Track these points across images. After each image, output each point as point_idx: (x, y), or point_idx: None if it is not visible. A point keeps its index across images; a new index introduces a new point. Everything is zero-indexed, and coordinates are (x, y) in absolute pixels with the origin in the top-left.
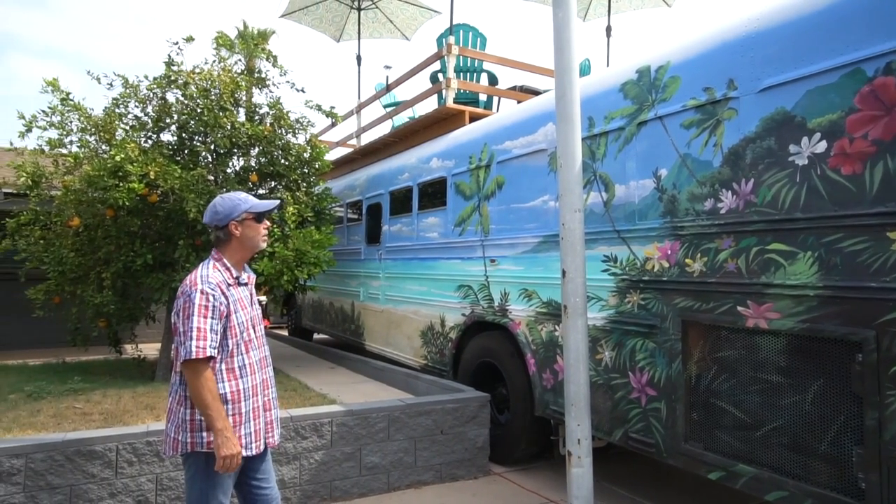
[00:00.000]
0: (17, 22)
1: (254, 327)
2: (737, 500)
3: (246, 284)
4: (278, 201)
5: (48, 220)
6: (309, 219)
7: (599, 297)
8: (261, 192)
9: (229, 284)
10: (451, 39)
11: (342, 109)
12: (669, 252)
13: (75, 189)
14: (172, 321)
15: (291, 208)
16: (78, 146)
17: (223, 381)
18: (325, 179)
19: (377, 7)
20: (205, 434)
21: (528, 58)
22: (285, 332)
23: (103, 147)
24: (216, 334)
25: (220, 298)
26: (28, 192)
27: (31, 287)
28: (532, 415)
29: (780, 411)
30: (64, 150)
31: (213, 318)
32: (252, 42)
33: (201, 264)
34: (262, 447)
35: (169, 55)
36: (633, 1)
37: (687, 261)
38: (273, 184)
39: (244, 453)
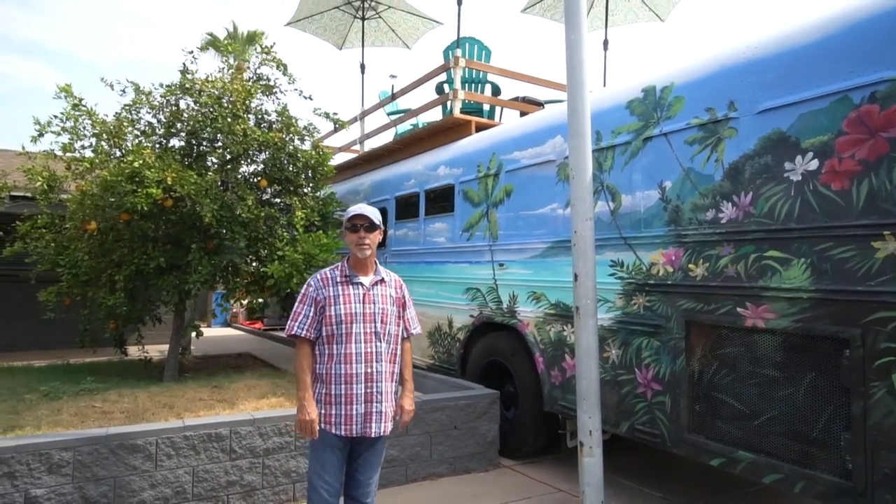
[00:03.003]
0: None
1: (363, 322)
2: (732, 487)
3: (361, 284)
4: (357, 210)
5: (60, 224)
6: (316, 223)
7: (607, 299)
8: (264, 196)
9: (337, 281)
10: (459, 52)
11: (342, 115)
12: (673, 258)
13: (92, 194)
14: None
15: (300, 213)
16: (91, 151)
17: (322, 363)
18: (328, 184)
19: (380, 17)
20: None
21: (527, 68)
22: (282, 333)
23: (116, 152)
24: (307, 318)
25: (318, 290)
26: (41, 196)
27: (40, 290)
28: (540, 410)
29: (776, 402)
30: (76, 155)
31: (306, 304)
32: (244, 44)
33: None
34: (354, 432)
35: (184, 64)
36: (628, 15)
37: (690, 266)
38: (279, 188)
39: (332, 430)
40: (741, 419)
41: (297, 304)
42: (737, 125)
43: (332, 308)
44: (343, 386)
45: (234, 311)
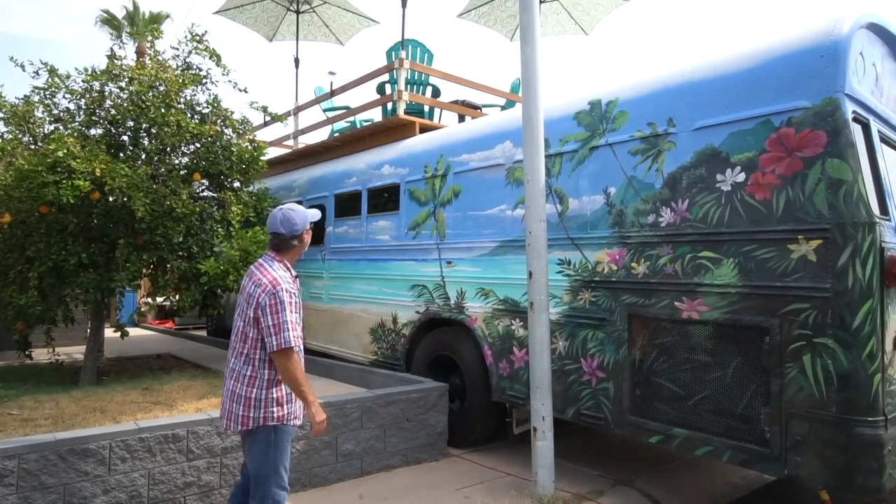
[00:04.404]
0: None
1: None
2: (659, 462)
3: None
4: (319, 213)
5: None
6: (251, 219)
7: (555, 295)
8: (195, 191)
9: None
10: (403, 54)
11: (271, 108)
12: (617, 257)
13: (6, 184)
14: (252, 315)
15: (235, 208)
16: (0, 137)
17: None
18: (260, 179)
19: (315, 11)
20: (275, 409)
21: (461, 70)
22: (200, 332)
23: (25, 138)
24: (300, 326)
25: (298, 297)
26: None
27: None
28: (488, 401)
29: (707, 384)
30: None
31: (296, 313)
32: (146, 25)
33: (266, 266)
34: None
35: (111, 49)
36: (555, 27)
37: (632, 264)
38: (206, 183)
39: (294, 423)
40: (677, 400)
41: (288, 313)
42: (675, 139)
43: (301, 312)
44: None
45: (143, 310)
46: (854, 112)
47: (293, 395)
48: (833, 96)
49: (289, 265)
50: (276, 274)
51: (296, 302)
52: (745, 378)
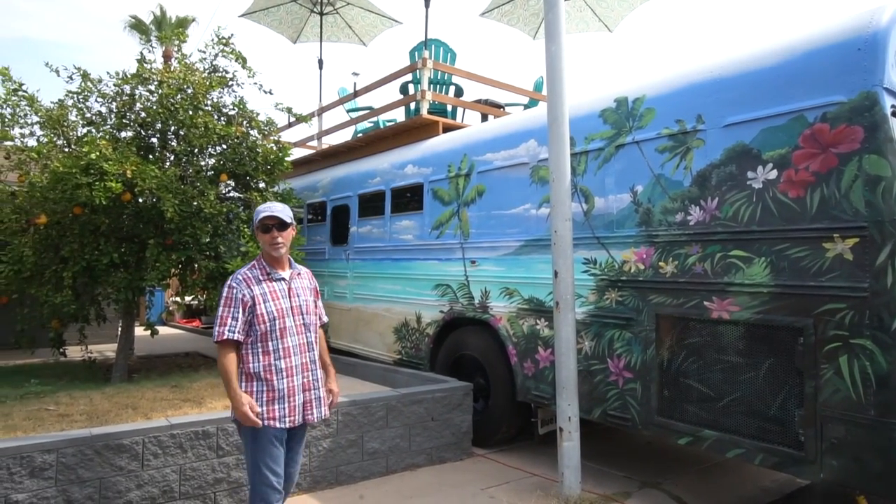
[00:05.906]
0: None
1: (292, 316)
2: (685, 465)
3: (282, 279)
4: (267, 210)
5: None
6: None
7: (580, 294)
8: (223, 190)
9: (260, 279)
10: (427, 54)
11: (294, 109)
12: (645, 256)
13: (42, 186)
14: None
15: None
16: (36, 140)
17: (257, 362)
18: (285, 179)
19: (338, 13)
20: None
21: (484, 69)
22: None
23: (62, 141)
24: (237, 321)
25: (242, 291)
26: None
27: None
28: (513, 400)
29: (739, 385)
30: (11, 143)
31: (233, 307)
32: (172, 30)
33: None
34: (297, 422)
35: (141, 53)
36: (579, 24)
37: (660, 264)
38: (233, 183)
39: (278, 425)
40: (707, 401)
41: (221, 308)
42: (704, 136)
43: (263, 306)
44: (285, 380)
45: (171, 309)
46: (893, 106)
47: (282, 394)
48: (871, 90)
49: (265, 262)
50: (239, 270)
51: (236, 297)
52: (777, 379)
